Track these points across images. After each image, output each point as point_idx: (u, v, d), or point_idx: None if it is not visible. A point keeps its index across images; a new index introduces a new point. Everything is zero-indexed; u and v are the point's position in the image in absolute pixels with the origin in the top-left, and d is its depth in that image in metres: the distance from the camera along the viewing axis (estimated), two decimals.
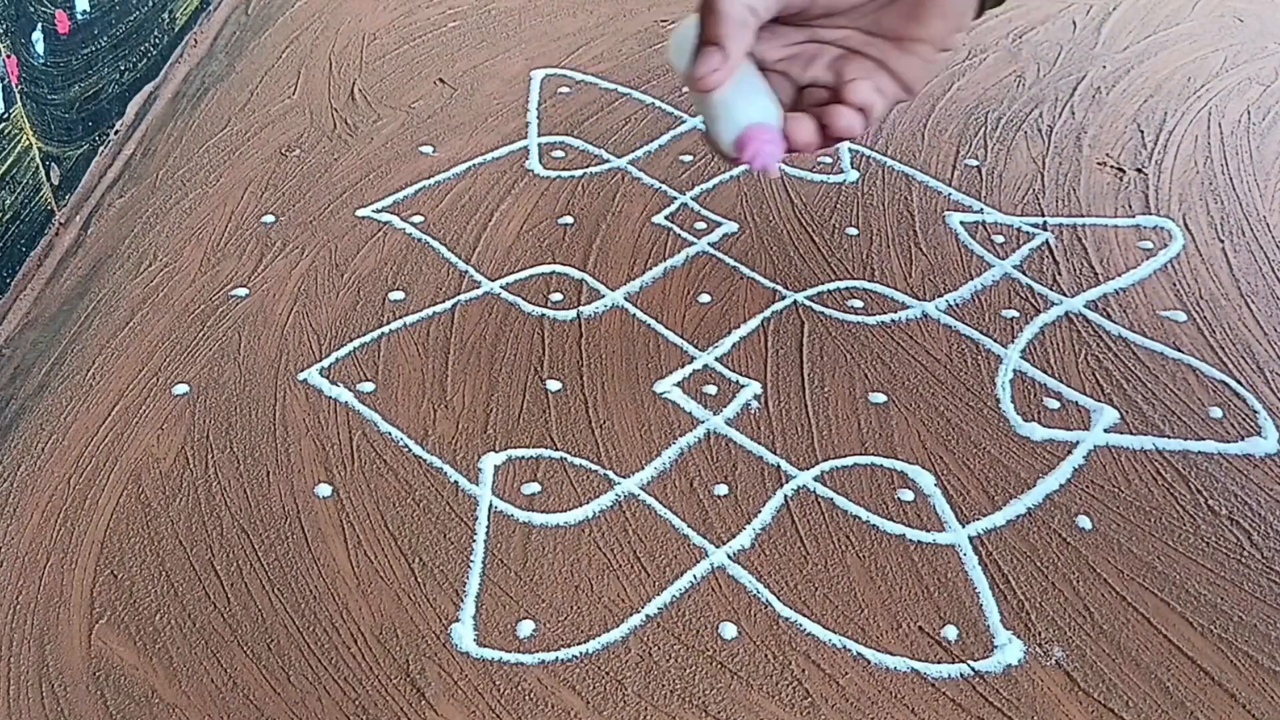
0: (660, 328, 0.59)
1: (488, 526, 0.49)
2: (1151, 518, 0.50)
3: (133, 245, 0.65)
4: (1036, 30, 0.86)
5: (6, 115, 0.59)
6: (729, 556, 0.48)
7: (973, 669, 0.44)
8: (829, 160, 0.72)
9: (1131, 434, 0.54)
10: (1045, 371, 0.57)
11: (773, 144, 0.45)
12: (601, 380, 0.56)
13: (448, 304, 0.61)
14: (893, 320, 0.60)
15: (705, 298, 0.61)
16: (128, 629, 0.45)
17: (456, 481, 0.51)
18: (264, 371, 0.56)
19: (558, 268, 0.63)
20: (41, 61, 0.63)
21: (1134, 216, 0.67)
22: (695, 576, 0.47)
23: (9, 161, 0.59)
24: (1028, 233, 0.66)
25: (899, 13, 0.47)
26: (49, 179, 0.64)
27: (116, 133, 0.73)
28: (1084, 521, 0.50)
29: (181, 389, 0.55)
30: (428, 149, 0.73)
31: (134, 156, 0.72)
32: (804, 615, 0.46)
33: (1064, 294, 0.61)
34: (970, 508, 0.50)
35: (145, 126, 0.75)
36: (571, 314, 0.60)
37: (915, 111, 0.76)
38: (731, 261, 0.64)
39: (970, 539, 0.49)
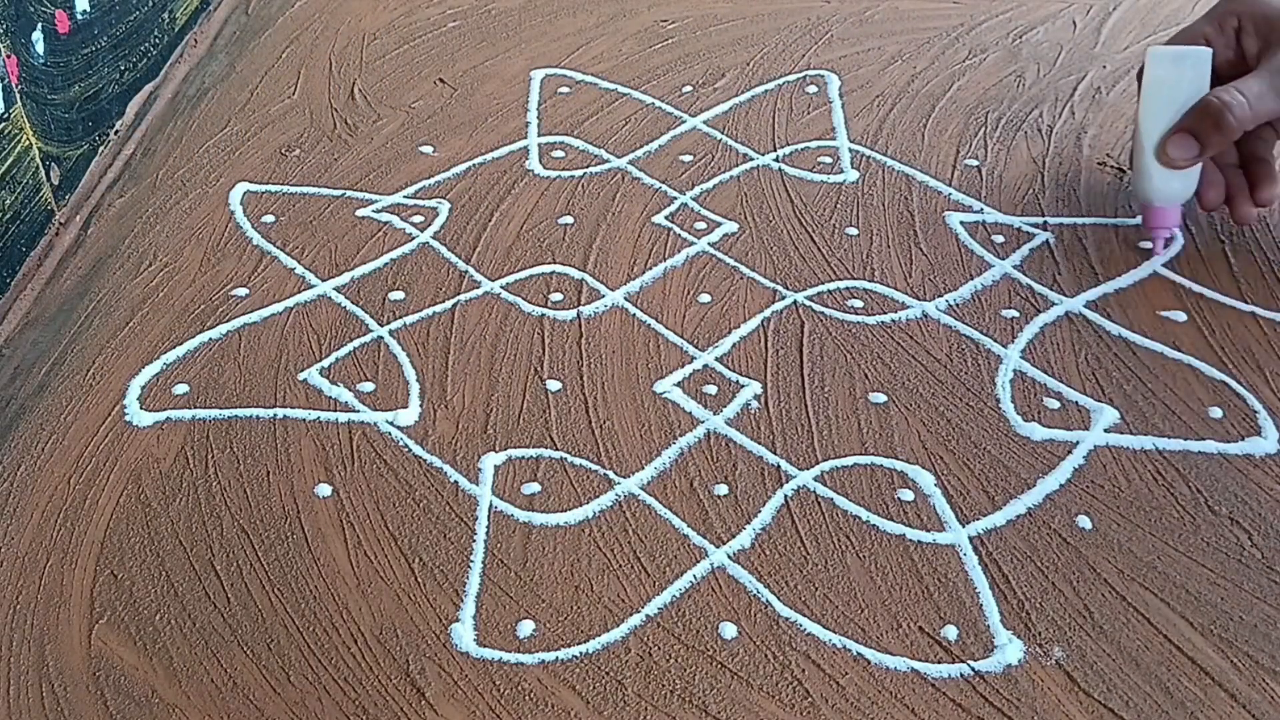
0: (660, 328, 0.59)
1: (488, 526, 0.49)
2: (1151, 518, 0.50)
3: (133, 245, 0.65)
4: (1036, 30, 0.86)
5: (6, 115, 0.59)
6: (729, 556, 0.48)
7: (973, 669, 0.44)
8: (829, 160, 0.72)
9: (1131, 434, 0.54)
10: (1045, 371, 0.57)
11: (1166, 227, 0.62)
12: (601, 380, 0.56)
13: (448, 304, 0.61)
14: (893, 320, 0.60)
15: (705, 298, 0.61)
16: (128, 629, 0.45)
17: (456, 481, 0.51)
18: (264, 371, 0.56)
19: (558, 268, 0.63)
20: (41, 61, 0.63)
21: (1134, 216, 0.67)
22: (695, 576, 0.47)
23: (9, 161, 0.59)
24: (1028, 233, 0.66)
25: None
26: (49, 179, 0.64)
27: (116, 133, 0.73)
28: (1084, 521, 0.50)
29: (182, 389, 0.55)
30: (428, 149, 0.73)
31: (134, 156, 0.72)
32: (804, 615, 0.46)
33: (1064, 294, 0.61)
34: (970, 508, 0.50)
35: (145, 126, 0.75)
36: (571, 314, 0.60)
37: (915, 111, 0.76)
38: (731, 261, 0.64)
39: (970, 539, 0.49)
